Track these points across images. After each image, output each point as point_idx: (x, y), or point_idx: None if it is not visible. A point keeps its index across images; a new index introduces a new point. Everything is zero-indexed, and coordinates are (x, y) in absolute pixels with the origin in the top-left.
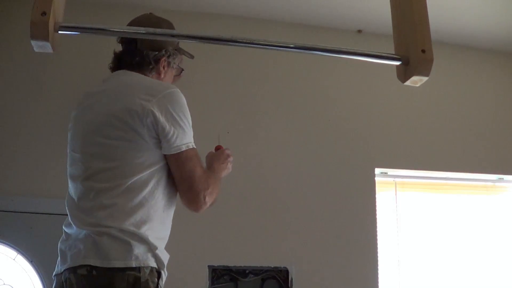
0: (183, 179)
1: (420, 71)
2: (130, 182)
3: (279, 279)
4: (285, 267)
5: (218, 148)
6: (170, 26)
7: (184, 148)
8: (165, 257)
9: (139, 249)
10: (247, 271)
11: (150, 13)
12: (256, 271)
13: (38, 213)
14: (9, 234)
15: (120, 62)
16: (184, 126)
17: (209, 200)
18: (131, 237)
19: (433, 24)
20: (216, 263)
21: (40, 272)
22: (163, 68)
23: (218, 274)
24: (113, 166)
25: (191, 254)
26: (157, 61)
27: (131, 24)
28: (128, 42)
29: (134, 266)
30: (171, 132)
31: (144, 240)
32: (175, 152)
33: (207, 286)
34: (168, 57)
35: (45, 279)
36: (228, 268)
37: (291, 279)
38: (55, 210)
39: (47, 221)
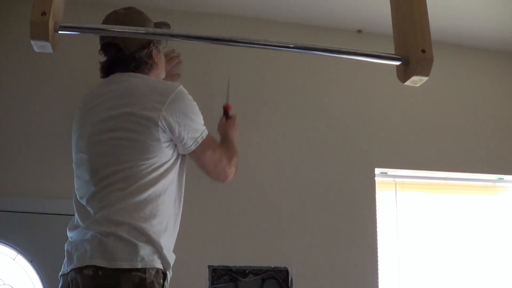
0: (206, 166)
1: (420, 71)
2: (139, 183)
3: (279, 279)
4: (285, 267)
5: (226, 107)
6: (142, 16)
7: (196, 144)
8: (171, 257)
9: (145, 250)
10: (247, 271)
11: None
12: (256, 271)
13: (38, 213)
14: (9, 234)
15: (115, 71)
16: (195, 123)
17: (234, 168)
18: (137, 238)
19: (433, 24)
20: (216, 263)
21: (40, 272)
22: (157, 57)
23: (218, 274)
24: (123, 167)
25: (191, 254)
26: (150, 56)
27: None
28: (115, 50)
29: (139, 267)
30: (184, 133)
31: (151, 241)
32: (191, 151)
33: (207, 286)
34: (156, 46)
35: (45, 279)
36: (228, 268)
37: (291, 279)
38: (55, 210)
39: (47, 221)
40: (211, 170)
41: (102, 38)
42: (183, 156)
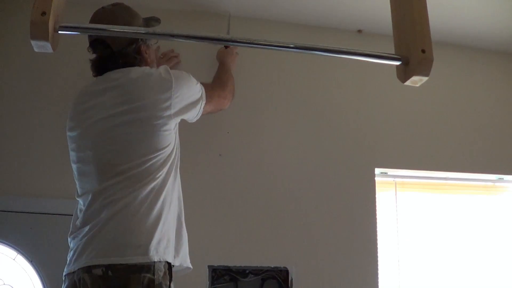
0: (208, 112)
1: (420, 71)
2: (149, 178)
3: (279, 279)
4: (285, 267)
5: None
6: (128, 11)
7: (200, 109)
8: (183, 254)
9: (155, 245)
10: (247, 271)
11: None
12: (256, 271)
13: (38, 213)
14: (9, 234)
15: (105, 68)
16: (195, 94)
17: (229, 96)
18: (149, 232)
19: (433, 24)
20: (216, 263)
21: (40, 272)
22: (146, 53)
23: (218, 274)
24: (136, 163)
25: (191, 254)
26: (138, 51)
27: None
28: (103, 47)
29: (155, 260)
30: (192, 109)
31: (161, 236)
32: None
33: (207, 286)
34: (144, 42)
35: (45, 279)
36: (228, 268)
37: (291, 279)
38: (55, 210)
39: (47, 221)
40: (212, 111)
41: (90, 36)
42: (178, 146)
